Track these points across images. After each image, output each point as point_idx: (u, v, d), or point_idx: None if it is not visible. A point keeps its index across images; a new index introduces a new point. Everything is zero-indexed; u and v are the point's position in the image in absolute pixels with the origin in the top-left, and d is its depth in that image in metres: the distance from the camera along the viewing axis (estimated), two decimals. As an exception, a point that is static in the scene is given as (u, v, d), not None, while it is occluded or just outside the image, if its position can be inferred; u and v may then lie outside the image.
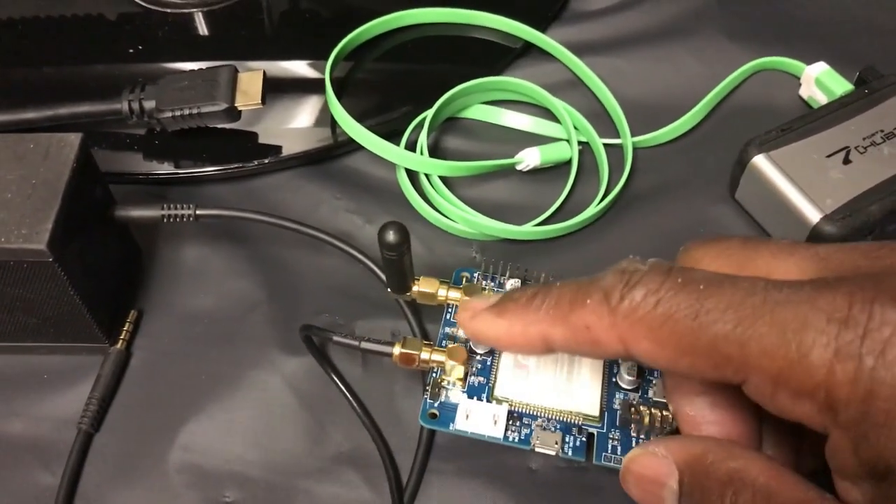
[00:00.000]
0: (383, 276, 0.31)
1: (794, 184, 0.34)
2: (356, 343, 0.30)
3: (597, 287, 0.22)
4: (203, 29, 0.44)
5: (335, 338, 0.30)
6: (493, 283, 0.32)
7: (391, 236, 0.27)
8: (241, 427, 0.32)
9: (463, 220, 0.36)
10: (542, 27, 0.44)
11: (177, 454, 0.31)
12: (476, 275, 0.32)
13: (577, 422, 0.29)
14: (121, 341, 0.33)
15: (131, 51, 0.42)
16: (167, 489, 0.31)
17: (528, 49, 0.44)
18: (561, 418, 0.29)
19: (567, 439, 0.28)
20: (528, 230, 0.36)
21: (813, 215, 0.34)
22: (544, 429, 0.29)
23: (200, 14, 0.44)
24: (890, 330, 0.19)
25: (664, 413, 0.28)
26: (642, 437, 0.29)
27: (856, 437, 0.19)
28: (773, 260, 0.23)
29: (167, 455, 0.31)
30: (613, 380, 0.30)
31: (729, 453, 0.22)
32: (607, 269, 0.23)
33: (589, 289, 0.22)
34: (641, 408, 0.29)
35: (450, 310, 0.31)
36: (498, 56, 0.43)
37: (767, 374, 0.20)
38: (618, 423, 0.29)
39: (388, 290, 0.30)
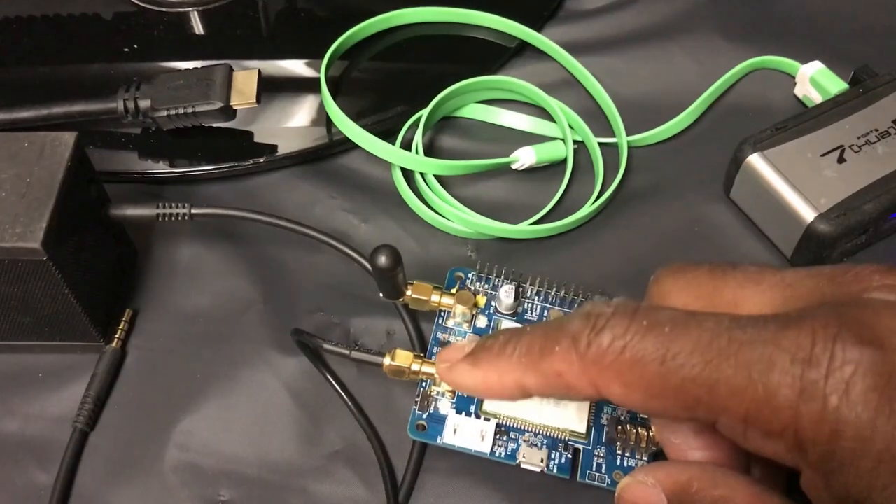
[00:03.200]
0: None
1: (788, 183, 0.34)
2: (346, 352, 0.30)
3: (565, 333, 0.22)
4: (198, 28, 0.44)
5: (326, 346, 0.31)
6: (487, 285, 0.32)
7: (383, 261, 0.27)
8: (236, 426, 0.32)
9: (458, 218, 0.36)
10: (538, 26, 0.44)
11: (172, 453, 0.31)
12: (470, 275, 0.32)
13: (563, 438, 0.29)
14: (116, 340, 0.33)
15: (126, 50, 0.42)
16: (162, 488, 0.31)
17: (524, 48, 0.44)
18: (548, 434, 0.29)
19: (553, 456, 0.29)
20: (524, 229, 0.36)
21: (807, 214, 0.34)
22: (531, 445, 0.29)
23: (196, 13, 0.44)
24: (851, 369, 0.19)
25: (650, 432, 0.28)
26: (627, 455, 0.29)
27: (825, 475, 0.20)
28: (741, 290, 0.23)
29: (162, 454, 0.31)
30: None
31: (713, 481, 0.23)
32: (573, 312, 0.23)
33: (557, 335, 0.22)
34: (628, 426, 0.29)
35: (442, 314, 0.31)
36: (493, 55, 0.43)
37: (737, 415, 0.20)
38: (604, 441, 0.29)
39: (381, 294, 0.30)
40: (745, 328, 0.20)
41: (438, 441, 0.29)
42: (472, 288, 0.32)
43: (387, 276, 0.28)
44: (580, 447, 0.29)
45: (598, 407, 0.30)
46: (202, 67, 0.38)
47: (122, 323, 0.34)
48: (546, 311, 0.32)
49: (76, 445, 0.31)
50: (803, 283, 0.22)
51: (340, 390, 0.32)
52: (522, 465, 0.28)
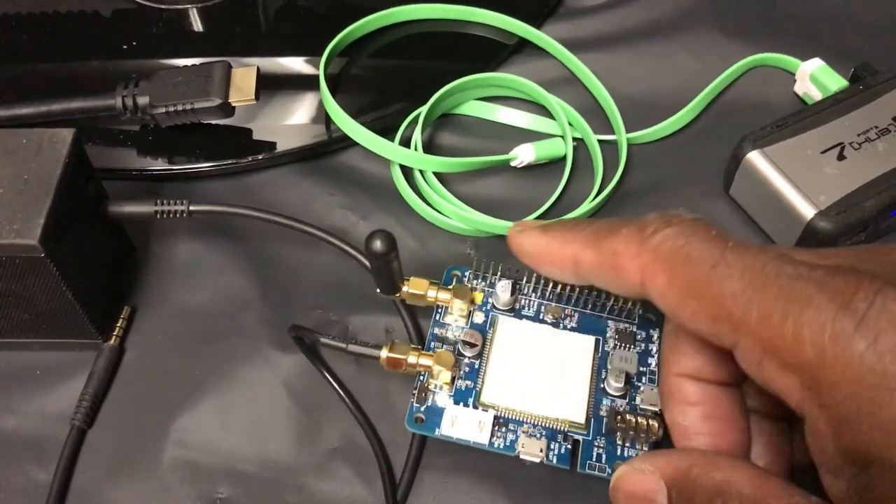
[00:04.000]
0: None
1: (788, 180, 0.34)
2: (343, 346, 0.30)
3: (637, 220, 0.23)
4: (197, 25, 0.44)
5: (323, 339, 0.30)
6: (484, 283, 0.32)
7: (378, 245, 0.27)
8: (234, 423, 0.32)
9: (457, 216, 0.36)
10: (537, 23, 0.44)
11: (170, 450, 0.31)
12: (467, 273, 0.32)
13: (563, 429, 0.29)
14: (114, 337, 0.33)
15: (125, 47, 0.42)
16: (160, 485, 0.31)
17: (523, 45, 0.44)
18: (547, 425, 0.29)
19: (552, 446, 0.28)
20: (523, 226, 0.36)
21: (807, 211, 0.33)
22: (530, 435, 0.29)
23: (194, 10, 0.44)
24: (887, 320, 0.19)
25: (650, 422, 0.28)
26: (627, 445, 0.29)
27: (836, 421, 0.20)
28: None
29: (160, 451, 0.31)
30: (601, 386, 0.30)
31: (713, 465, 0.23)
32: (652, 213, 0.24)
33: (629, 221, 0.24)
34: (628, 416, 0.28)
35: (439, 310, 0.31)
36: (493, 52, 0.43)
37: (760, 340, 0.20)
38: (604, 431, 0.29)
39: (378, 290, 0.30)
40: (798, 266, 0.21)
41: (436, 433, 0.29)
42: (469, 285, 0.32)
43: (382, 261, 0.27)
44: (580, 438, 0.29)
45: (596, 397, 0.30)
46: (201, 64, 0.38)
47: (121, 320, 0.34)
48: (543, 307, 0.31)
49: (74, 443, 0.31)
50: (842, 253, 0.23)
51: (338, 387, 0.32)
52: (521, 456, 0.28)
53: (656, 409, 0.29)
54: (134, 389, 0.33)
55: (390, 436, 0.31)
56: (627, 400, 0.30)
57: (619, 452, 0.28)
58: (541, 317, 0.31)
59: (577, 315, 0.31)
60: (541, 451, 0.28)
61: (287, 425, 0.32)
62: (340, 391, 0.32)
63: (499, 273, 0.32)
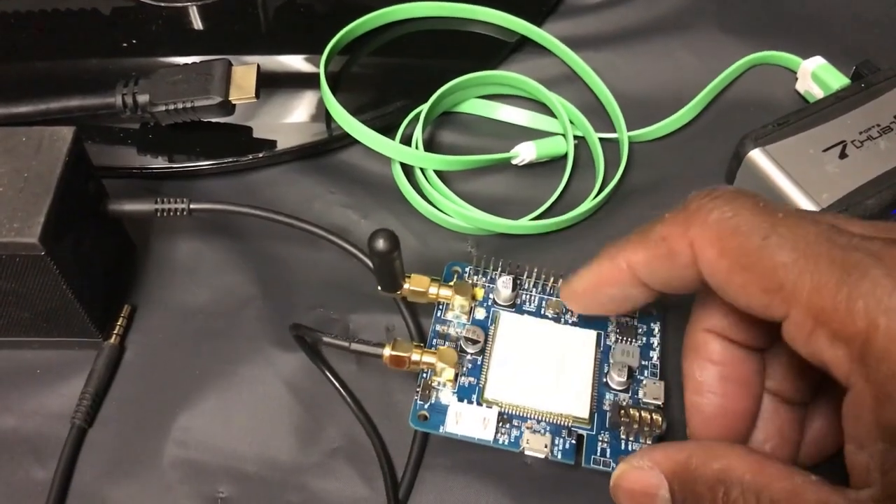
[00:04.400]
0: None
1: (790, 178, 0.34)
2: (346, 344, 0.30)
3: (679, 205, 0.23)
4: (197, 23, 0.43)
5: (325, 339, 0.30)
6: (484, 279, 0.32)
7: (381, 244, 0.27)
8: (235, 422, 0.32)
9: (458, 214, 0.36)
10: (538, 21, 0.44)
11: (171, 449, 0.31)
12: (468, 269, 0.32)
13: (567, 424, 0.29)
14: (114, 336, 0.33)
15: (125, 45, 0.42)
16: (161, 484, 0.30)
17: (524, 43, 0.43)
18: (551, 420, 0.29)
19: (556, 442, 0.28)
20: (524, 224, 0.36)
21: (809, 209, 0.33)
22: (534, 431, 0.29)
23: (194, 8, 0.44)
24: None
25: (654, 416, 0.28)
26: (631, 439, 0.29)
27: (880, 396, 0.19)
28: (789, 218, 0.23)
29: (161, 450, 0.31)
30: (604, 380, 0.30)
31: (711, 454, 0.23)
32: None
33: (673, 209, 0.24)
34: (631, 410, 0.28)
35: (441, 307, 0.31)
36: (493, 50, 0.43)
37: (812, 311, 0.20)
38: (607, 426, 0.29)
39: (379, 288, 0.30)
40: (852, 237, 0.21)
41: (441, 430, 0.29)
42: (470, 281, 0.32)
43: (385, 260, 0.27)
44: (583, 433, 0.29)
45: (599, 393, 0.30)
46: (201, 62, 0.38)
47: (121, 318, 0.34)
48: (544, 302, 0.31)
49: (74, 442, 0.31)
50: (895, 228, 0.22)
51: (339, 386, 0.32)
52: (526, 452, 0.28)
53: (659, 402, 0.29)
54: (134, 388, 0.33)
55: (392, 435, 0.31)
56: (630, 394, 0.30)
57: (622, 447, 0.28)
58: (542, 312, 0.31)
59: None
60: (545, 446, 0.28)
61: (288, 424, 0.32)
62: (342, 390, 0.32)
63: (499, 269, 0.32)
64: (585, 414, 0.29)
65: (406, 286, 0.30)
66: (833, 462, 0.25)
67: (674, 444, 0.24)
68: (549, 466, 0.31)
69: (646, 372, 0.30)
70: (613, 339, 0.31)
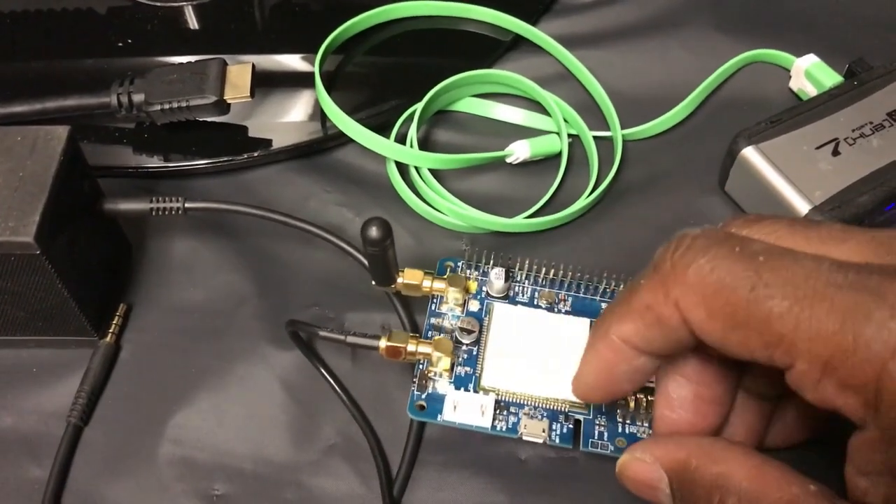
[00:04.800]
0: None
1: (783, 176, 0.34)
2: (342, 337, 0.30)
3: (649, 265, 0.22)
4: (193, 22, 0.44)
5: (321, 332, 0.30)
6: (477, 273, 0.32)
7: (374, 232, 0.27)
8: (231, 420, 0.32)
9: (453, 212, 0.36)
10: (533, 20, 0.44)
11: (166, 447, 0.31)
12: (460, 264, 0.32)
13: (564, 409, 0.29)
14: (110, 335, 0.33)
15: (120, 44, 0.42)
16: (157, 482, 0.31)
17: (519, 42, 0.44)
18: (548, 406, 0.29)
19: (554, 427, 0.29)
20: (518, 223, 0.36)
21: (802, 207, 0.34)
22: (531, 417, 0.29)
23: (190, 7, 0.44)
24: None
25: (649, 398, 0.28)
26: (628, 422, 0.29)
27: (893, 438, 0.19)
28: (824, 246, 0.22)
29: (157, 448, 0.31)
30: None
31: (710, 456, 0.22)
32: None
33: (643, 271, 0.22)
34: None
35: (435, 300, 0.31)
36: (488, 49, 0.43)
37: (818, 360, 0.19)
38: (604, 409, 0.29)
39: (374, 282, 0.30)
40: (847, 272, 0.19)
41: (438, 419, 0.29)
42: (464, 275, 0.32)
43: (379, 248, 0.27)
44: (580, 417, 0.29)
45: None
46: (196, 61, 0.38)
47: (116, 317, 0.34)
48: (537, 293, 0.32)
49: (70, 440, 0.31)
50: (885, 240, 0.21)
51: (334, 383, 0.32)
52: (524, 438, 0.28)
53: (654, 384, 0.29)
54: (130, 386, 0.33)
55: (387, 432, 0.31)
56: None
57: (620, 430, 0.29)
58: (535, 302, 0.32)
59: (570, 299, 0.32)
60: (543, 431, 0.28)
61: (284, 422, 0.32)
62: (337, 387, 0.32)
63: (491, 262, 0.32)
64: None
65: (400, 280, 0.31)
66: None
67: (674, 440, 0.24)
68: (544, 463, 0.31)
69: None
70: None
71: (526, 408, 0.29)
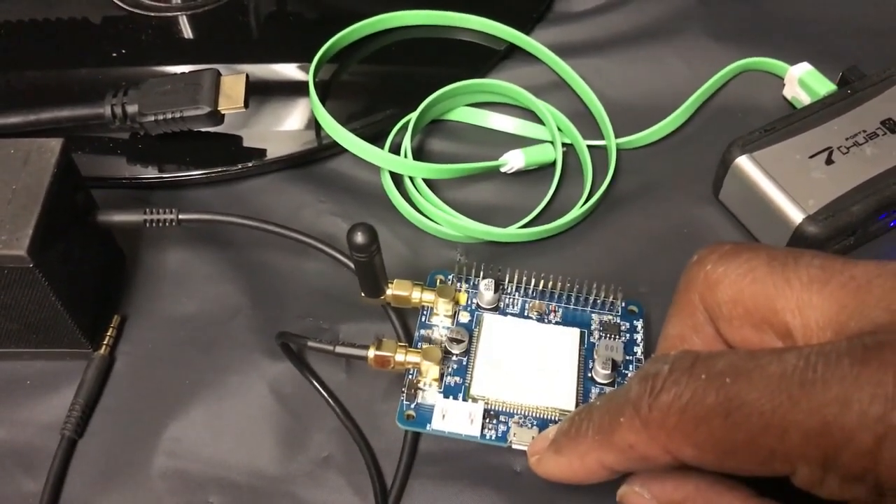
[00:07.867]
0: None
1: (777, 184, 0.34)
2: (331, 348, 0.30)
3: (626, 402, 0.21)
4: (187, 32, 0.44)
5: (310, 343, 0.30)
6: (467, 285, 0.32)
7: (359, 237, 0.27)
8: (225, 432, 0.32)
9: (447, 222, 0.36)
10: (527, 29, 0.44)
11: (160, 460, 0.31)
12: (450, 276, 0.32)
13: (553, 417, 0.29)
14: (104, 347, 0.33)
15: (114, 54, 0.42)
16: (151, 495, 0.30)
17: (513, 51, 0.44)
18: (537, 414, 0.29)
19: None
20: (513, 232, 0.36)
21: (796, 216, 0.34)
22: (521, 425, 0.29)
23: (184, 17, 0.44)
24: None
25: None
26: None
27: None
28: (805, 294, 0.21)
29: (151, 460, 0.31)
30: (589, 375, 0.30)
31: (709, 501, 0.22)
32: (633, 375, 0.22)
33: (621, 406, 0.21)
34: None
35: (425, 312, 0.31)
36: (482, 58, 0.43)
37: (815, 462, 0.19)
38: None
39: (363, 294, 0.30)
40: (816, 366, 0.19)
41: (428, 428, 0.29)
42: (454, 287, 0.32)
43: (365, 254, 0.27)
44: None
45: (585, 386, 0.30)
46: (190, 72, 0.38)
47: (111, 329, 0.34)
48: (527, 304, 0.32)
49: (64, 453, 0.31)
50: (876, 284, 0.20)
51: (326, 395, 0.32)
52: (514, 446, 0.28)
53: None
54: (124, 399, 0.33)
55: (381, 444, 0.31)
56: (615, 387, 0.30)
57: None
58: (525, 313, 0.32)
59: (560, 310, 0.32)
60: (532, 439, 0.28)
61: (277, 434, 0.32)
62: (329, 399, 0.32)
63: (481, 274, 0.32)
64: (572, 406, 0.29)
65: (389, 291, 0.31)
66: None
67: (673, 479, 0.23)
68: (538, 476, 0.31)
69: (630, 366, 0.30)
70: (597, 336, 0.31)
71: (516, 416, 0.29)
